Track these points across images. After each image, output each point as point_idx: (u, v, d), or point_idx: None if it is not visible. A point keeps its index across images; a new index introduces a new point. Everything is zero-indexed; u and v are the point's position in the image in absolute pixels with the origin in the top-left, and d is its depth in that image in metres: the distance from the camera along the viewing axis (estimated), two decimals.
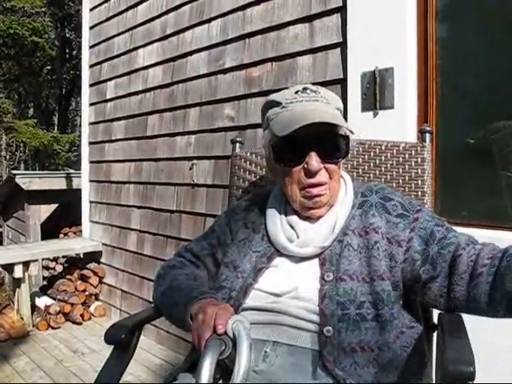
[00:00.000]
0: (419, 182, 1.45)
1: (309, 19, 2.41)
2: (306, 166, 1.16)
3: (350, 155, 1.52)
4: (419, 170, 1.46)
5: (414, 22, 1.98)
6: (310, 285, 1.15)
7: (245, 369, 0.88)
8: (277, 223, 1.26)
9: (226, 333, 0.96)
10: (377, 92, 2.02)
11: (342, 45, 2.23)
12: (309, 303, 1.13)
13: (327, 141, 1.17)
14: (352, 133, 1.21)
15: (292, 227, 1.23)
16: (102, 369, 1.19)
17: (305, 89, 1.22)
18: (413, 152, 1.48)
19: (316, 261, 1.19)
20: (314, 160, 1.15)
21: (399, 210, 1.20)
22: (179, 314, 1.16)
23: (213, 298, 1.15)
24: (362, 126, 2.04)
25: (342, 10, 2.23)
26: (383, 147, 1.52)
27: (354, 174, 1.53)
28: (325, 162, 1.17)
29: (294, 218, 1.24)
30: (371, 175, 1.51)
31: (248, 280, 1.22)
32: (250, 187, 1.69)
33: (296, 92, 1.22)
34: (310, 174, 1.17)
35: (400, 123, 1.97)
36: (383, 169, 1.50)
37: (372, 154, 1.53)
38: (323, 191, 1.19)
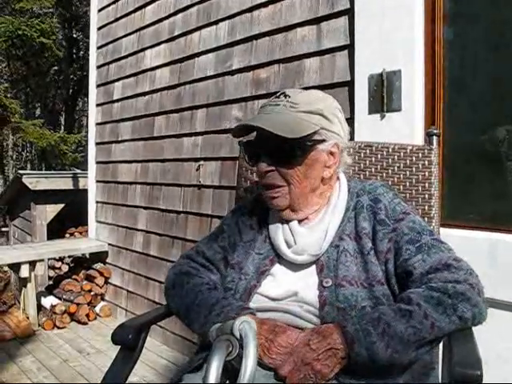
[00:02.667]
0: (426, 185, 1.45)
1: (316, 21, 2.41)
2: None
3: (356, 157, 1.53)
4: (426, 173, 1.46)
5: (421, 25, 1.98)
6: (310, 291, 1.15)
7: (251, 369, 0.88)
8: (278, 226, 1.27)
9: None
10: (384, 94, 2.02)
11: (350, 47, 2.23)
12: (310, 306, 1.14)
13: (277, 145, 1.18)
14: (298, 138, 1.15)
15: (291, 232, 1.24)
16: (108, 369, 1.19)
17: (281, 94, 1.24)
18: (420, 154, 1.48)
19: (313, 267, 1.20)
20: (260, 162, 1.21)
21: (382, 215, 1.19)
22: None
23: (251, 313, 1.14)
24: (369, 129, 2.04)
25: (349, 12, 2.23)
26: (390, 150, 1.52)
27: (361, 176, 1.53)
28: (277, 166, 1.20)
29: (294, 223, 1.25)
30: (378, 177, 1.51)
31: (251, 282, 1.23)
32: (257, 189, 1.70)
33: (275, 97, 1.25)
34: (261, 175, 1.22)
35: (407, 126, 1.97)
36: (390, 171, 1.50)
37: (379, 156, 1.53)
38: (276, 194, 1.22)
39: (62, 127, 15.14)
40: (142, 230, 3.79)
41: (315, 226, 1.23)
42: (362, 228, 1.19)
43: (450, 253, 1.13)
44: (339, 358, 0.98)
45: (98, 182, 4.47)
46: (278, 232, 1.26)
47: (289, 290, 1.18)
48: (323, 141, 1.21)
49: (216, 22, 3.07)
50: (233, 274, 1.28)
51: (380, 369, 0.99)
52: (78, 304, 3.96)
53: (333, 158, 1.23)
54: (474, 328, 1.05)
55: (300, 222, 1.25)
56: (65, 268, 4.88)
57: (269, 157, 1.20)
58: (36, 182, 5.86)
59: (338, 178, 1.29)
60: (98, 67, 4.46)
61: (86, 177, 4.97)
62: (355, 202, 1.24)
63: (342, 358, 0.98)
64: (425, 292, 1.04)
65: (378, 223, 1.18)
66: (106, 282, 4.20)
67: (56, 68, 14.25)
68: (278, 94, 1.26)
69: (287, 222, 1.26)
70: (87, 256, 4.43)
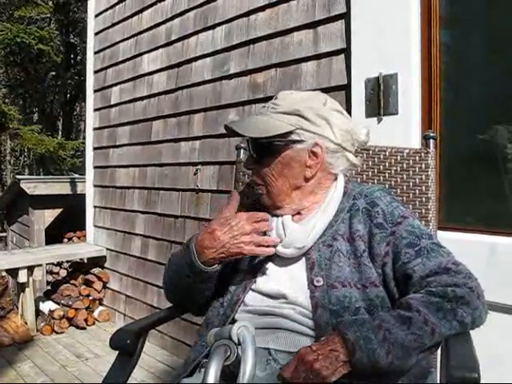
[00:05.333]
0: (423, 188, 1.45)
1: (313, 25, 2.41)
2: None
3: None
4: (423, 176, 1.46)
5: (417, 28, 1.98)
6: (301, 290, 1.16)
7: (250, 374, 0.89)
8: (273, 221, 1.27)
9: None
10: (381, 98, 2.02)
11: (346, 51, 2.23)
12: (302, 308, 1.14)
13: (253, 146, 1.27)
14: (265, 138, 1.21)
15: (283, 227, 1.24)
16: (107, 374, 1.19)
17: (276, 96, 1.31)
18: (417, 158, 1.48)
19: (301, 263, 1.20)
20: (244, 160, 1.35)
21: (379, 219, 1.19)
22: (186, 260, 1.23)
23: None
24: None
25: (345, 16, 2.23)
26: (387, 153, 1.52)
27: (358, 179, 1.53)
28: (255, 165, 1.28)
29: (287, 218, 1.26)
30: (375, 181, 1.51)
31: (247, 277, 1.25)
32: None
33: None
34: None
35: (404, 129, 1.97)
36: (387, 175, 1.51)
37: (376, 159, 1.53)
38: (259, 191, 1.28)
39: (60, 132, 15.13)
40: (139, 235, 3.78)
41: (305, 222, 1.23)
42: (355, 230, 1.19)
43: (449, 256, 1.13)
44: (341, 360, 0.96)
45: (95, 186, 4.47)
46: (272, 228, 1.26)
47: (279, 285, 1.19)
48: (301, 141, 1.22)
49: (213, 27, 3.07)
50: (228, 270, 1.29)
51: (380, 375, 0.99)
52: (76, 309, 3.95)
53: (315, 158, 1.22)
54: (470, 330, 1.05)
55: (293, 217, 1.26)
56: (63, 273, 4.87)
57: (251, 157, 1.28)
58: (34, 186, 5.85)
59: (335, 178, 1.29)
60: (96, 72, 4.47)
61: (83, 181, 4.96)
62: (351, 203, 1.25)
63: (344, 361, 0.96)
64: (424, 297, 1.03)
65: (375, 226, 1.18)
66: (104, 287, 4.20)
67: (54, 73, 14.24)
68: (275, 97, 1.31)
69: (281, 217, 1.27)
70: (85, 261, 4.42)
